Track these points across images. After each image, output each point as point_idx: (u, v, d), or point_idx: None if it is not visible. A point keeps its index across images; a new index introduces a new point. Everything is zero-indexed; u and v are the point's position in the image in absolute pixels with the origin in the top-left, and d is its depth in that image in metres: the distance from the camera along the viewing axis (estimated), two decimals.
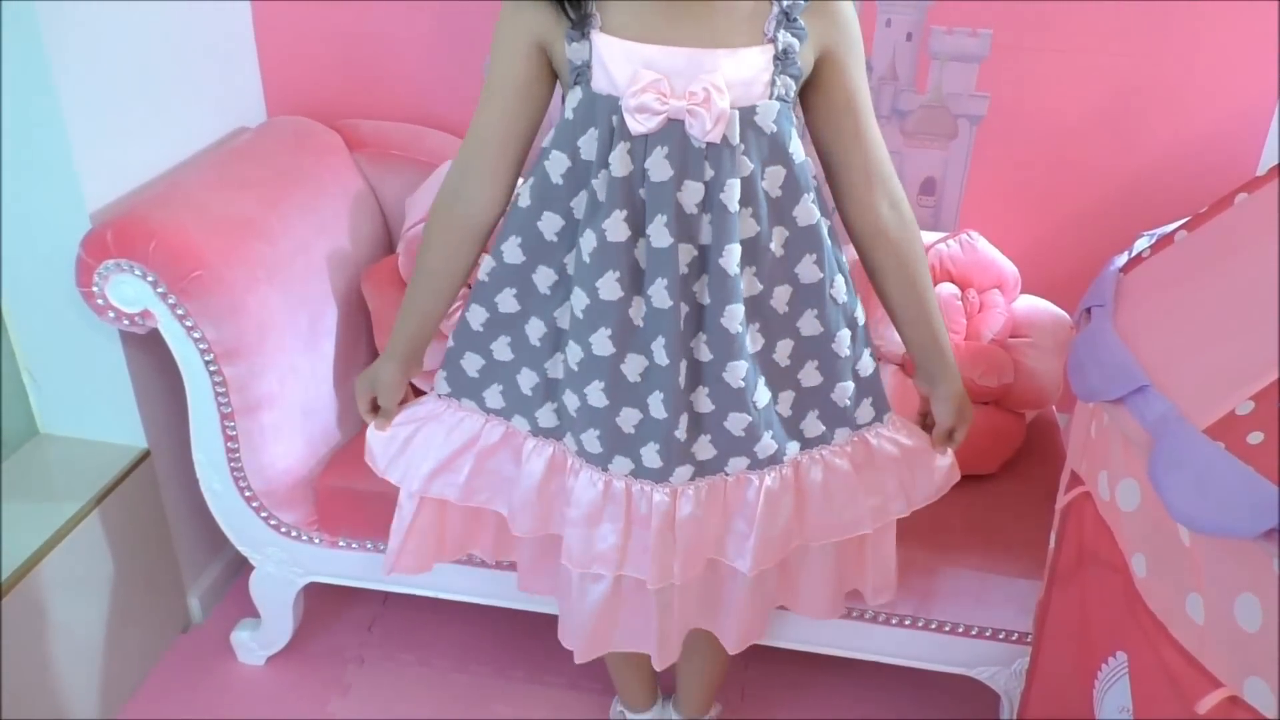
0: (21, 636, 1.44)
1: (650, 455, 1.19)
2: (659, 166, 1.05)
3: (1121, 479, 1.07)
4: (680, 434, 1.17)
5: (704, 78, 1.02)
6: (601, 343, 1.13)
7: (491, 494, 1.32)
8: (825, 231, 1.14)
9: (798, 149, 1.09)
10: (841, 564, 1.35)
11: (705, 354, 1.14)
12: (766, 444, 1.21)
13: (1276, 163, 1.18)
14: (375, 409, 1.32)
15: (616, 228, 1.08)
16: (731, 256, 1.08)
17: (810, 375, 1.21)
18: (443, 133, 1.89)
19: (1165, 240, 1.24)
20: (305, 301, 1.60)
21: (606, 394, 1.16)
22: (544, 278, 1.18)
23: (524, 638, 1.81)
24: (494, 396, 1.28)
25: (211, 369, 1.47)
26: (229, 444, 1.53)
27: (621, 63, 1.04)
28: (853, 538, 1.30)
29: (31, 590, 1.45)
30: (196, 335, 1.45)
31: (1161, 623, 1.00)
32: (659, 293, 1.09)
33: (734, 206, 1.07)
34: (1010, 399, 1.64)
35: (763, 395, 1.18)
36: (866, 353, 1.23)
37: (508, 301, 1.20)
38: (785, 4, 1.05)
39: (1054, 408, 1.79)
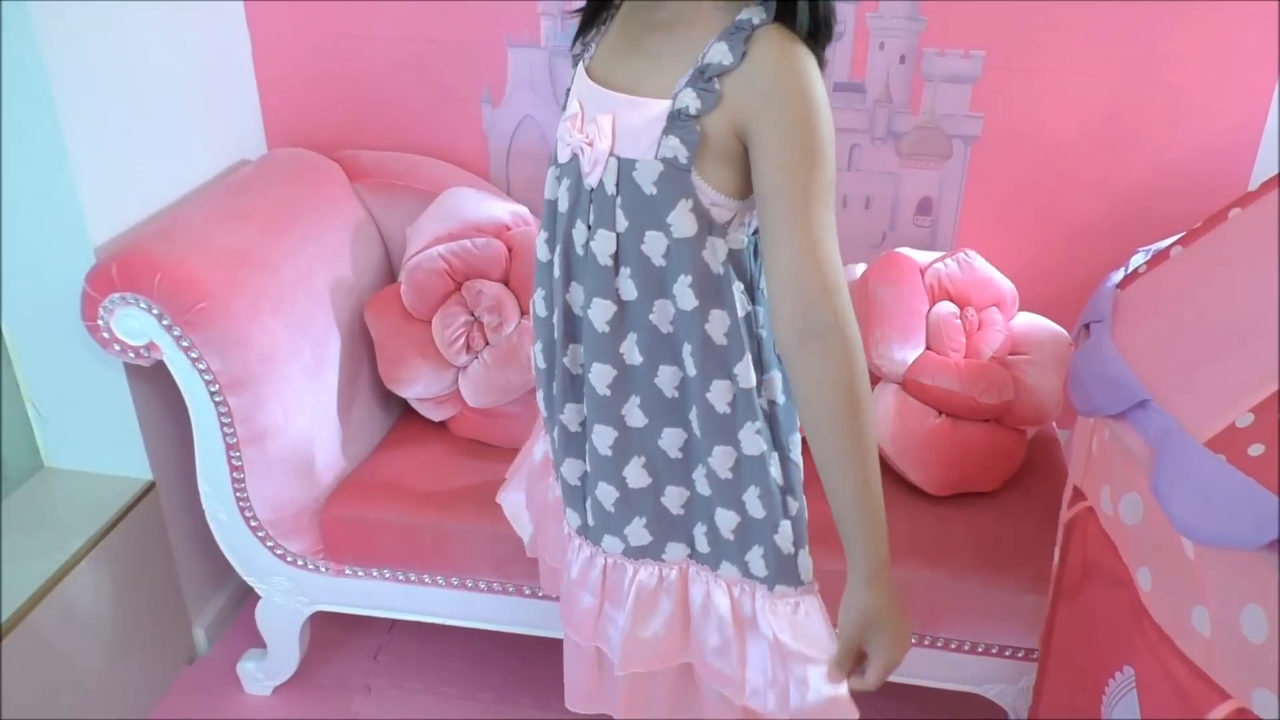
0: (26, 670, 1.44)
1: (558, 481, 1.18)
2: (562, 198, 1.05)
3: (1124, 493, 1.08)
4: (569, 477, 1.14)
5: (600, 119, 0.99)
6: (536, 355, 1.14)
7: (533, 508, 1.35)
8: (709, 326, 1.01)
9: (681, 222, 0.97)
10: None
11: (585, 411, 1.10)
12: (638, 531, 1.11)
13: (1269, 177, 1.19)
14: None
15: (540, 247, 1.09)
16: (599, 312, 1.03)
17: (701, 481, 1.09)
18: (442, 162, 1.91)
19: (1161, 256, 1.25)
20: (308, 331, 1.61)
21: (543, 403, 1.16)
22: (539, 297, 1.17)
23: (530, 663, 1.81)
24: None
25: (216, 400, 1.48)
26: (234, 474, 1.53)
27: (574, 93, 1.05)
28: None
29: (36, 624, 1.45)
30: (201, 366, 1.46)
31: (1168, 636, 1.00)
32: (558, 323, 1.09)
33: (604, 260, 1.01)
34: (1011, 416, 1.65)
35: (638, 476, 1.09)
36: (753, 491, 1.05)
37: (538, 304, 1.18)
38: (703, 62, 0.94)
39: (1054, 424, 1.80)
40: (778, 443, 1.07)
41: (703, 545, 1.12)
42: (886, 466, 1.65)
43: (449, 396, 1.73)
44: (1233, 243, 1.17)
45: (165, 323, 1.43)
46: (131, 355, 1.48)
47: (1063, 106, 1.75)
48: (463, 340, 1.68)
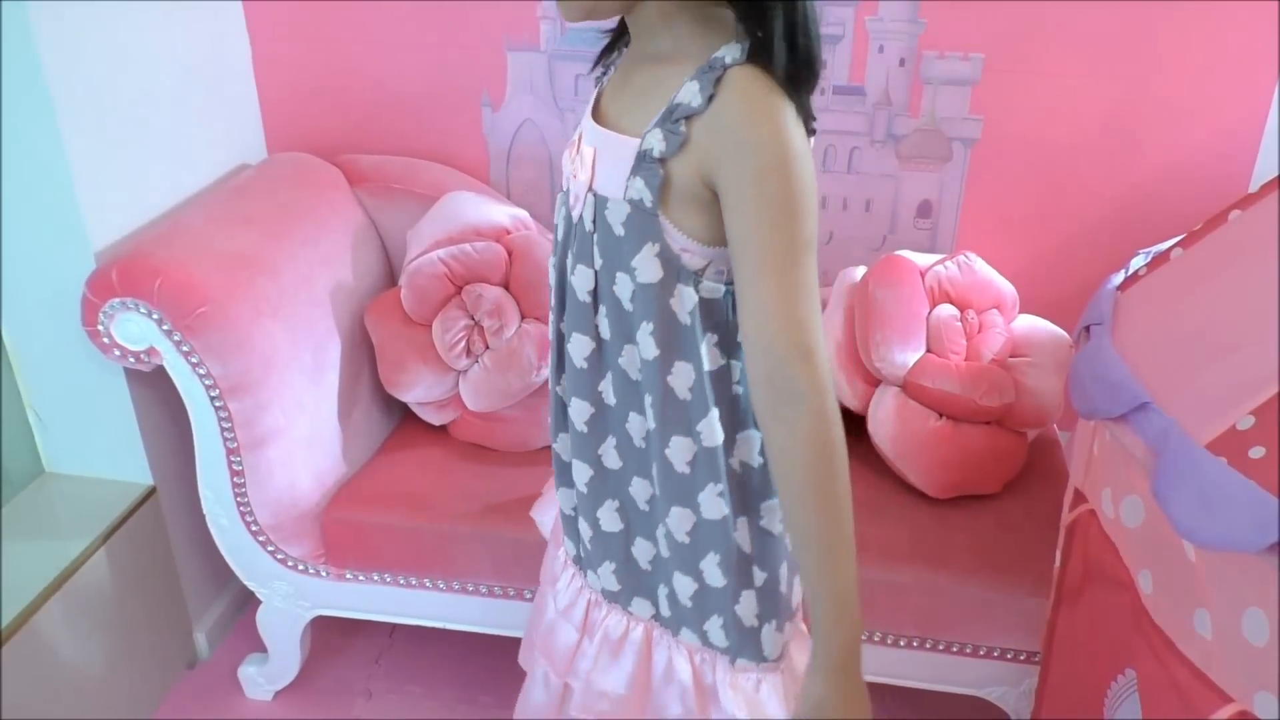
0: (27, 675, 1.44)
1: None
2: (560, 226, 1.02)
3: (1125, 496, 1.08)
4: (564, 505, 1.12)
5: (585, 151, 0.96)
6: (546, 373, 1.12)
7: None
8: (672, 379, 0.95)
9: (645, 267, 0.91)
10: None
11: (572, 442, 1.08)
12: (608, 576, 1.09)
13: (1269, 179, 1.19)
14: None
15: (551, 273, 1.06)
16: (577, 347, 1.00)
17: (663, 541, 1.04)
18: (442, 165, 1.91)
19: (1161, 258, 1.25)
20: (309, 335, 1.61)
21: (551, 425, 1.13)
22: (551, 321, 1.15)
23: None
24: None
25: (217, 404, 1.48)
26: (235, 479, 1.53)
27: (582, 120, 1.02)
28: None
29: (38, 629, 1.45)
30: (202, 371, 1.46)
31: (1170, 639, 1.00)
32: (553, 349, 1.07)
33: (583, 295, 0.97)
34: (1011, 418, 1.65)
35: (610, 520, 1.06)
36: (712, 558, 1.00)
37: (550, 329, 1.14)
38: (673, 101, 0.88)
39: (1055, 426, 1.80)
40: (747, 507, 1.00)
41: (665, 609, 1.08)
42: (887, 469, 1.65)
43: (449, 400, 1.73)
44: (1233, 244, 1.17)
45: (165, 327, 1.43)
46: (132, 360, 1.48)
47: (1062, 108, 1.76)
48: (463, 344, 1.68)
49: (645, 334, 0.94)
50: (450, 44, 1.86)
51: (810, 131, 0.90)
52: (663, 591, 1.07)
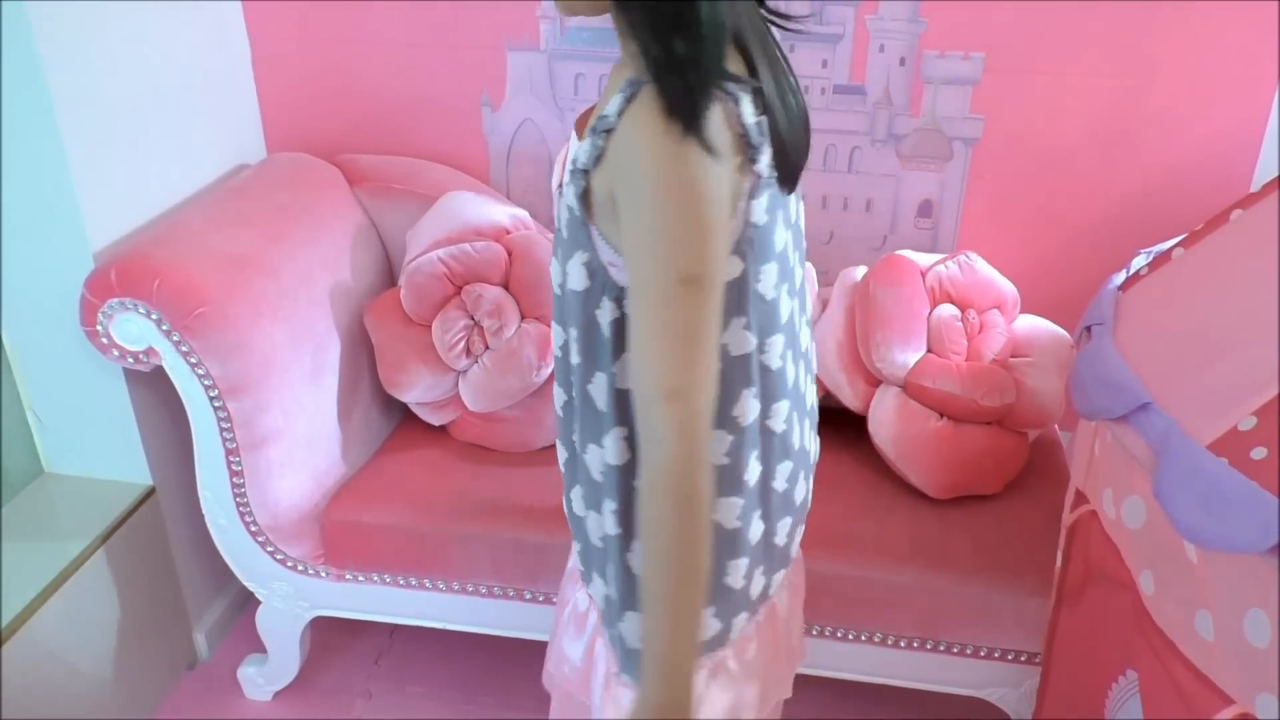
0: (27, 675, 1.44)
1: None
2: None
3: (1126, 496, 1.07)
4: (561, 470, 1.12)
5: (565, 150, 0.96)
6: (545, 373, 1.13)
7: None
8: (591, 388, 0.93)
9: (573, 274, 0.89)
10: None
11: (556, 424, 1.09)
12: (574, 553, 1.11)
13: (1270, 179, 1.19)
14: None
15: None
16: (555, 334, 1.00)
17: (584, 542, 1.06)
18: (442, 165, 1.91)
19: (1163, 257, 1.24)
20: (308, 336, 1.61)
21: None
22: None
23: (532, 668, 1.80)
24: None
25: (216, 405, 1.48)
26: (234, 479, 1.53)
27: None
28: None
29: (37, 629, 1.45)
30: (201, 372, 1.46)
31: (1171, 640, 1.00)
32: None
33: (555, 287, 0.97)
34: (1012, 419, 1.64)
35: (579, 503, 1.05)
36: (611, 570, 0.99)
37: None
38: (603, 111, 0.84)
39: (1056, 426, 1.80)
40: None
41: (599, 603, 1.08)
42: (888, 470, 1.65)
43: (449, 400, 1.73)
44: (1234, 244, 1.17)
45: (164, 328, 1.43)
46: (131, 360, 1.48)
47: (1063, 108, 1.75)
48: (463, 344, 1.68)
49: (573, 339, 0.93)
50: (450, 44, 1.86)
51: (750, 159, 0.84)
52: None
